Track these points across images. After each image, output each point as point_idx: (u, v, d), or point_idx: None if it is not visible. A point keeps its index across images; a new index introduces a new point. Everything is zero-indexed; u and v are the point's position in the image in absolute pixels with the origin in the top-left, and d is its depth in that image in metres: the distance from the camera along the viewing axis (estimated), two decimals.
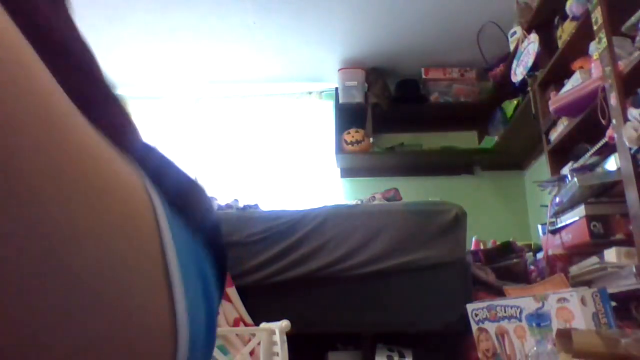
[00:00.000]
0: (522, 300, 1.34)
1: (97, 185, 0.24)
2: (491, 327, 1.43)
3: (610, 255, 1.64)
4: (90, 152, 0.25)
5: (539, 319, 1.28)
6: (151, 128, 3.61)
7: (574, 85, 1.98)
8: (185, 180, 0.35)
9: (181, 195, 0.33)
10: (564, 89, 2.06)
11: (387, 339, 1.80)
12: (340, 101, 3.36)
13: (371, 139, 3.25)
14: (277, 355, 1.20)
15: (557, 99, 2.05)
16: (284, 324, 1.21)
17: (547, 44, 2.30)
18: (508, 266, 2.07)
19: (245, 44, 3.16)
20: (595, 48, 1.76)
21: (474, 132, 3.51)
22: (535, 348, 1.25)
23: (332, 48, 3.21)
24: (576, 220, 1.82)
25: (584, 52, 2.01)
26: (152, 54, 3.24)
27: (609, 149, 1.78)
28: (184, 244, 0.30)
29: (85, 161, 0.24)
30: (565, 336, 1.06)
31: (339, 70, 3.37)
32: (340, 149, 3.28)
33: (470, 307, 1.51)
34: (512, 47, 2.65)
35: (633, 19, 1.64)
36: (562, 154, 2.18)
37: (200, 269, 0.33)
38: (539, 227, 2.24)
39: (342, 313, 1.69)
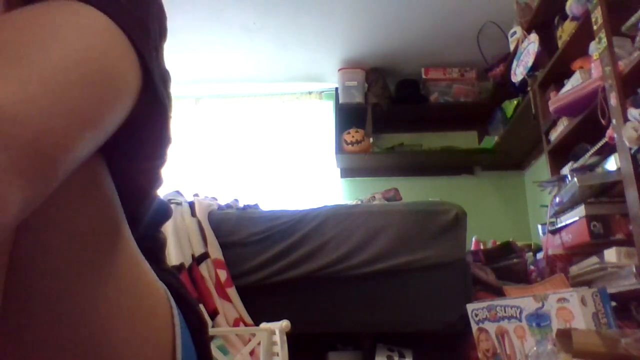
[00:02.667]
0: (522, 300, 1.34)
1: (145, 307, 0.32)
2: (491, 327, 1.43)
3: (610, 255, 1.64)
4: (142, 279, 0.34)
5: (539, 319, 1.28)
6: None
7: (574, 85, 1.98)
8: (192, 301, 0.44)
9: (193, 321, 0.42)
10: (564, 89, 2.06)
11: (387, 339, 1.80)
12: (340, 101, 3.36)
13: (371, 139, 3.25)
14: (277, 355, 1.20)
15: (557, 99, 2.04)
16: (284, 324, 1.21)
17: (547, 44, 2.30)
18: (508, 266, 2.07)
19: (245, 44, 3.16)
20: (595, 48, 1.76)
21: (474, 132, 3.51)
22: (535, 348, 1.25)
23: (332, 48, 3.21)
24: (576, 220, 1.82)
25: (584, 52, 2.01)
26: None
27: (609, 149, 1.78)
28: (185, 338, 0.38)
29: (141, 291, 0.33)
30: (565, 336, 1.06)
31: (339, 70, 3.37)
32: (340, 149, 3.28)
33: (470, 307, 1.51)
34: (512, 47, 2.64)
35: (633, 19, 1.64)
36: (562, 154, 2.18)
37: None
38: (539, 227, 2.24)
39: (342, 313, 1.69)
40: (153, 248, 0.44)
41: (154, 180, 0.40)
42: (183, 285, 0.46)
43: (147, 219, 0.40)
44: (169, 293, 0.38)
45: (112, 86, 0.29)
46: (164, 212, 0.48)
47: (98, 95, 0.28)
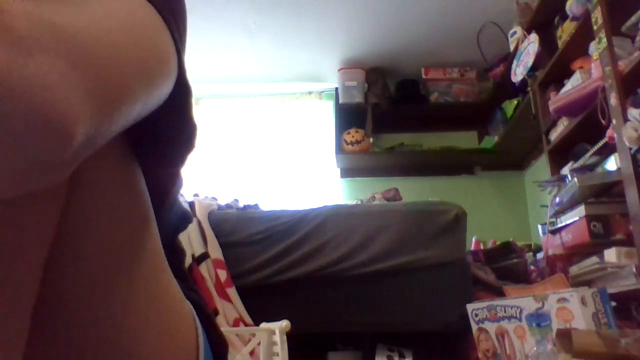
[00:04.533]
0: (522, 300, 1.34)
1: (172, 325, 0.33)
2: (491, 327, 1.43)
3: (610, 255, 1.64)
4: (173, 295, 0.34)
5: (539, 319, 1.28)
6: None
7: (574, 85, 1.98)
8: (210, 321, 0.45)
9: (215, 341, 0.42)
10: (564, 89, 2.06)
11: (387, 339, 1.80)
12: (340, 101, 3.36)
13: (371, 139, 3.25)
14: (277, 355, 1.20)
15: (557, 99, 2.05)
16: (284, 324, 1.21)
17: (547, 44, 2.30)
18: (508, 266, 2.07)
19: (245, 44, 3.16)
20: (595, 48, 1.76)
21: (474, 132, 3.51)
22: (535, 348, 1.25)
23: (332, 48, 3.21)
24: (576, 220, 1.82)
25: (584, 52, 2.01)
26: None
27: (609, 149, 1.78)
28: (208, 356, 0.39)
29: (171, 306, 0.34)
30: (565, 336, 1.06)
31: (339, 70, 3.37)
32: (340, 149, 3.28)
33: (470, 307, 1.51)
34: (512, 47, 2.65)
35: (633, 19, 1.64)
36: (562, 154, 2.18)
37: None
38: (539, 227, 2.24)
39: (342, 313, 1.69)
40: (175, 262, 0.44)
41: (177, 180, 0.39)
42: (207, 305, 0.46)
43: (168, 223, 0.40)
44: (194, 311, 0.38)
45: (162, 59, 0.30)
46: (184, 216, 0.48)
47: (151, 58, 0.29)
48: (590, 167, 1.87)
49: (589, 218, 1.74)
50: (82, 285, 0.27)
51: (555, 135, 2.21)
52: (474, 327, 1.49)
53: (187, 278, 0.48)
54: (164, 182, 0.36)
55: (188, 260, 1.62)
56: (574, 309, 1.20)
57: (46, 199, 0.25)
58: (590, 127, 1.88)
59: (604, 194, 1.79)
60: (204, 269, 1.62)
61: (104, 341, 0.27)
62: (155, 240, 0.32)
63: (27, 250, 0.24)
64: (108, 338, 0.28)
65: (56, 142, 0.22)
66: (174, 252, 0.45)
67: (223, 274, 1.63)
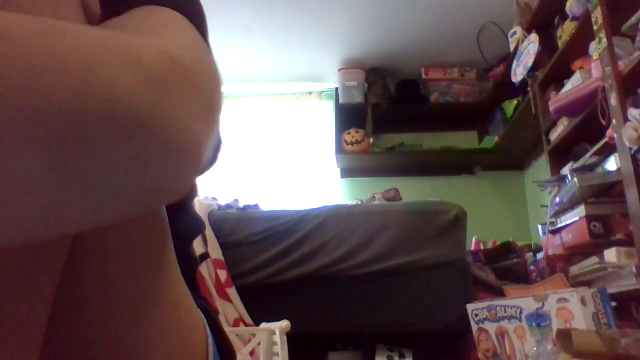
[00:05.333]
0: (522, 300, 1.34)
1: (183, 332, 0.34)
2: (491, 327, 1.43)
3: (610, 255, 1.64)
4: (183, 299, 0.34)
5: (539, 319, 1.28)
6: None
7: (574, 85, 1.98)
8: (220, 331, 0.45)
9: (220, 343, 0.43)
10: (564, 89, 2.06)
11: (387, 339, 1.80)
12: (340, 101, 3.36)
13: (371, 139, 3.25)
14: (277, 355, 1.20)
15: (557, 99, 2.04)
16: (284, 324, 1.21)
17: (547, 44, 2.30)
18: (508, 266, 2.07)
19: (245, 44, 3.16)
20: (595, 48, 1.76)
21: (474, 132, 3.51)
22: (535, 348, 1.25)
23: (332, 48, 3.21)
24: (576, 220, 1.82)
25: (584, 52, 2.01)
26: None
27: (609, 149, 1.78)
28: None
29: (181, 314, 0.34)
30: (565, 336, 1.06)
31: (339, 70, 3.37)
32: (340, 149, 3.28)
33: (470, 307, 1.51)
34: (512, 47, 2.64)
35: (633, 19, 1.64)
36: (562, 154, 2.18)
37: None
38: (539, 227, 2.24)
39: (342, 313, 1.69)
40: (187, 270, 0.44)
41: (192, 189, 0.40)
42: (216, 314, 0.46)
43: (182, 232, 0.40)
44: (205, 321, 0.38)
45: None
46: (197, 223, 0.48)
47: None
48: (590, 167, 1.87)
49: (589, 218, 1.74)
50: (99, 294, 0.27)
51: (555, 135, 2.21)
52: (474, 327, 1.49)
53: (198, 287, 0.48)
54: None
55: None
56: (574, 309, 1.20)
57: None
58: (590, 127, 1.88)
59: (604, 194, 1.79)
60: (204, 269, 1.62)
61: (116, 347, 0.28)
62: (172, 251, 0.32)
63: (46, 262, 0.24)
64: (119, 344, 0.28)
65: (191, 164, 0.26)
66: (186, 259, 0.45)
67: (223, 274, 1.63)
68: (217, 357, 0.39)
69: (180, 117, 0.24)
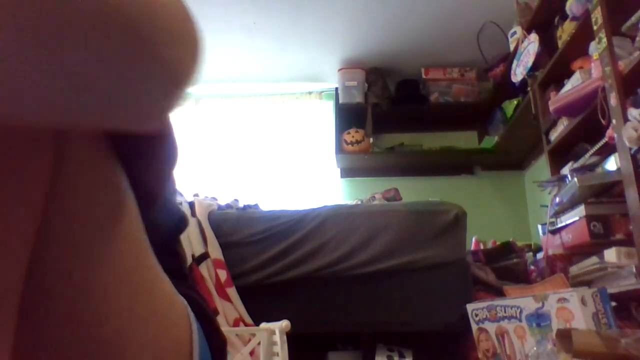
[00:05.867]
0: (522, 300, 1.34)
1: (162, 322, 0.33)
2: (491, 327, 1.43)
3: (610, 255, 1.64)
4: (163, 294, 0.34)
5: (539, 319, 1.28)
6: None
7: (574, 85, 1.98)
8: (207, 312, 0.45)
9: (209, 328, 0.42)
10: (564, 89, 2.06)
11: (387, 339, 1.80)
12: (340, 101, 3.36)
13: (371, 139, 3.25)
14: (277, 355, 1.20)
15: (557, 99, 2.05)
16: (284, 324, 1.21)
17: (547, 44, 2.30)
18: (508, 266, 2.07)
19: (245, 44, 3.16)
20: (595, 48, 1.76)
21: (474, 132, 3.51)
22: (535, 348, 1.25)
23: (332, 48, 3.21)
24: (576, 220, 1.82)
25: (584, 52, 2.01)
26: None
27: (609, 149, 1.78)
28: (205, 355, 0.39)
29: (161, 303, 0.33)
30: (565, 336, 1.06)
31: (339, 70, 3.37)
32: (340, 149, 3.28)
33: (470, 307, 1.51)
34: (512, 47, 2.65)
35: (633, 19, 1.65)
36: (562, 154, 2.18)
37: None
38: (539, 227, 2.24)
39: (342, 313, 1.69)
40: (175, 263, 0.43)
41: (165, 182, 0.39)
42: (205, 301, 0.46)
43: (162, 225, 0.40)
44: (189, 308, 0.38)
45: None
46: (180, 219, 0.48)
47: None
48: (590, 167, 1.87)
49: (589, 218, 1.74)
50: (63, 277, 0.27)
51: (555, 135, 2.21)
52: (474, 327, 1.49)
53: (187, 277, 0.48)
54: (150, 185, 0.36)
55: (188, 260, 1.62)
56: (574, 309, 1.20)
57: (31, 185, 0.25)
58: (590, 127, 1.88)
59: (604, 194, 1.79)
60: (204, 269, 1.62)
61: (87, 332, 0.27)
62: (137, 235, 0.32)
63: (14, 238, 0.24)
64: (90, 328, 0.27)
65: (171, 82, 0.27)
66: (173, 254, 0.44)
67: (223, 274, 1.63)
68: (205, 345, 0.38)
69: (168, 29, 0.26)
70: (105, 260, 0.28)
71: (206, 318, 0.42)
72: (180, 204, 1.77)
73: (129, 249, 0.30)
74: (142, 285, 0.31)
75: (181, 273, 0.46)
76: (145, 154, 0.34)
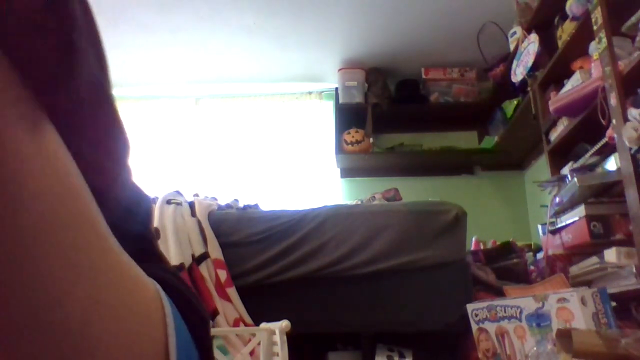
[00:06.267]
0: (522, 300, 1.34)
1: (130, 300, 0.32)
2: (491, 327, 1.43)
3: (610, 255, 1.64)
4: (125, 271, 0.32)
5: (539, 319, 1.28)
6: (152, 128, 3.61)
7: (574, 85, 1.98)
8: (184, 289, 0.43)
9: (184, 308, 0.40)
10: (564, 89, 2.06)
11: (387, 339, 1.80)
12: (340, 101, 3.36)
13: (371, 139, 3.25)
14: (277, 355, 1.20)
15: (557, 99, 2.05)
16: (284, 324, 1.21)
17: (547, 44, 2.30)
18: (508, 266, 2.07)
19: (245, 45, 3.16)
20: (595, 48, 1.76)
21: (474, 132, 3.51)
22: (535, 348, 1.25)
23: (332, 48, 3.21)
24: (576, 220, 1.82)
25: (584, 52, 2.01)
26: (153, 55, 3.24)
27: (609, 149, 1.78)
28: (183, 338, 0.37)
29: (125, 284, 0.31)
30: (565, 336, 1.06)
31: (339, 70, 3.37)
32: (340, 149, 3.28)
33: (470, 307, 1.51)
34: (512, 47, 2.65)
35: (633, 19, 1.65)
36: (562, 154, 2.18)
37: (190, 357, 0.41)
38: (539, 227, 2.24)
39: (342, 313, 1.69)
40: (144, 245, 0.42)
41: (110, 177, 0.37)
42: (183, 283, 0.44)
43: (121, 212, 0.38)
44: (161, 291, 0.37)
45: None
46: (139, 198, 0.45)
47: None
48: (590, 167, 1.87)
49: (589, 218, 1.74)
50: (22, 266, 0.25)
51: (555, 135, 2.21)
52: (474, 327, 1.49)
53: (160, 260, 0.46)
54: (94, 157, 0.34)
55: (188, 260, 1.62)
56: (574, 309, 1.20)
57: None
58: (590, 127, 1.88)
59: (604, 194, 1.79)
60: (204, 269, 1.62)
61: (45, 319, 0.26)
62: (89, 212, 0.30)
63: None
64: (48, 315, 0.26)
65: None
66: (142, 236, 0.43)
67: (223, 274, 1.63)
68: (182, 326, 0.37)
69: None
70: (71, 250, 0.27)
71: (182, 298, 0.40)
72: (180, 204, 1.77)
73: (81, 232, 0.29)
74: (104, 263, 0.30)
75: (154, 254, 0.45)
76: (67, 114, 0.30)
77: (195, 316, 0.41)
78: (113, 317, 0.29)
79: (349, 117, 3.34)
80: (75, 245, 0.27)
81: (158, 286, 0.36)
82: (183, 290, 0.41)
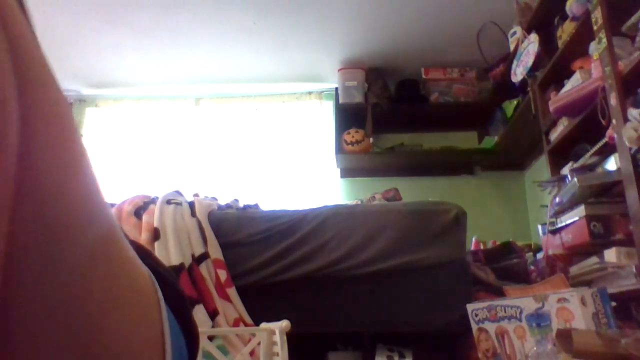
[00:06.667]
0: (522, 300, 1.34)
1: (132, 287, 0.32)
2: (491, 327, 1.43)
3: (610, 255, 1.64)
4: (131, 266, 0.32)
5: (539, 319, 1.28)
6: (152, 129, 3.61)
7: (574, 85, 1.98)
8: (172, 282, 0.43)
9: (175, 304, 0.41)
10: (564, 89, 2.06)
11: (387, 339, 1.80)
12: (340, 101, 3.36)
13: (371, 139, 3.25)
14: (277, 355, 1.20)
15: (557, 99, 2.05)
16: (284, 324, 1.21)
17: (547, 44, 2.30)
18: (508, 266, 2.07)
19: (245, 45, 3.16)
20: (595, 48, 1.76)
21: (474, 132, 3.52)
22: (535, 348, 1.25)
23: (332, 48, 3.21)
24: (576, 220, 1.82)
25: (584, 52, 2.01)
26: (153, 55, 3.24)
27: (609, 149, 1.78)
28: (171, 320, 0.37)
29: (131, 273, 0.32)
30: (565, 336, 1.06)
31: (338, 70, 3.37)
32: (340, 149, 3.28)
33: (470, 307, 1.51)
34: (512, 47, 2.65)
35: (633, 19, 1.65)
36: (562, 154, 2.18)
37: (180, 353, 0.41)
38: (539, 227, 2.24)
39: (342, 313, 1.69)
40: None
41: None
42: (157, 261, 0.44)
43: None
44: (152, 275, 0.37)
45: None
46: None
47: None
48: (590, 167, 1.87)
49: (589, 218, 1.74)
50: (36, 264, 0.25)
51: (555, 135, 2.21)
52: (474, 327, 1.49)
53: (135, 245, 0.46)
54: None
55: (188, 260, 1.62)
56: (574, 309, 1.20)
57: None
58: (590, 127, 1.88)
59: (604, 194, 1.79)
60: (204, 269, 1.62)
61: (67, 325, 0.26)
62: (99, 196, 0.30)
63: None
64: (71, 320, 0.26)
65: None
66: None
67: (223, 274, 1.63)
68: (167, 310, 0.37)
69: None
70: (87, 241, 0.27)
71: (159, 276, 0.40)
72: (180, 204, 1.77)
73: (98, 221, 0.29)
74: (120, 259, 0.30)
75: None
76: None
77: (174, 293, 0.41)
78: (121, 308, 0.29)
79: (349, 117, 3.34)
80: (95, 236, 0.27)
81: (149, 271, 0.36)
82: (159, 269, 0.41)
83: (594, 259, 1.69)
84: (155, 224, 1.65)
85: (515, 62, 2.52)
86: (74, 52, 3.16)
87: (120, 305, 0.29)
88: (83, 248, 0.26)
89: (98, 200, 0.28)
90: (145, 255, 0.42)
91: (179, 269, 1.56)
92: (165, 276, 0.41)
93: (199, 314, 1.51)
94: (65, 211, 0.25)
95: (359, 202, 2.22)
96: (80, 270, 0.26)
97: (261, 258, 1.67)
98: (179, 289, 0.43)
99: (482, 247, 2.42)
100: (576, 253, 1.86)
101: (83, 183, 0.27)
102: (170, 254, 1.59)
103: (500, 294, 1.72)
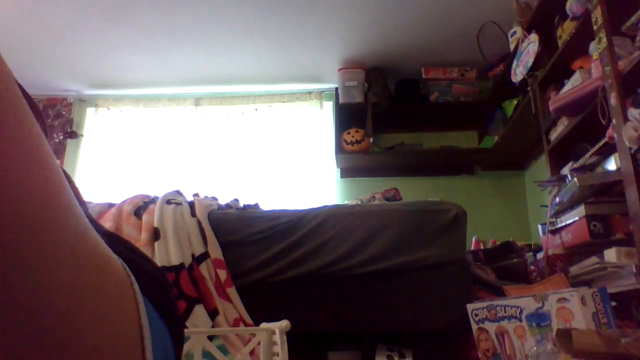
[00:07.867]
0: (522, 300, 1.34)
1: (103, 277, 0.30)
2: (491, 327, 1.43)
3: (610, 255, 1.64)
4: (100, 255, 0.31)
5: (539, 319, 1.28)
6: (152, 129, 3.61)
7: (574, 85, 1.98)
8: (153, 270, 0.42)
9: (154, 291, 0.39)
10: (564, 89, 2.06)
11: (387, 339, 1.80)
12: (340, 101, 3.36)
13: (371, 139, 3.25)
14: (277, 355, 1.20)
15: (557, 99, 2.05)
16: (284, 324, 1.21)
17: (547, 43, 2.30)
18: (508, 266, 2.07)
19: (245, 45, 3.16)
20: (595, 48, 1.76)
21: (474, 132, 3.52)
22: (535, 348, 1.25)
23: (332, 48, 3.21)
24: (576, 220, 1.82)
25: (584, 52, 2.01)
26: (153, 55, 3.24)
27: (609, 149, 1.78)
28: (150, 311, 0.36)
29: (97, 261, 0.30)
30: (565, 336, 1.06)
31: (339, 70, 3.37)
32: (340, 149, 3.28)
33: (470, 307, 1.51)
34: (512, 47, 2.65)
35: (633, 19, 1.65)
36: (562, 154, 2.18)
37: (164, 344, 0.40)
38: (539, 227, 2.24)
39: (342, 313, 1.69)
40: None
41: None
42: (136, 251, 0.43)
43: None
44: (126, 267, 0.36)
45: None
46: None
47: None
48: (590, 167, 1.87)
49: (589, 218, 1.74)
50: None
51: (555, 135, 2.21)
52: (474, 327, 1.49)
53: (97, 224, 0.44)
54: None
55: (188, 260, 1.62)
56: (574, 308, 1.20)
57: None
58: (590, 127, 1.88)
59: (604, 194, 1.79)
60: (204, 268, 1.62)
61: (35, 320, 0.25)
62: (71, 196, 0.30)
63: None
64: (38, 315, 0.26)
65: None
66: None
67: (223, 274, 1.63)
68: (146, 302, 0.36)
69: None
70: (47, 234, 0.26)
71: (138, 268, 0.39)
72: (180, 203, 1.77)
73: (58, 210, 0.28)
74: (85, 252, 0.29)
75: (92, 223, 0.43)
76: None
77: (155, 283, 0.40)
78: (92, 302, 0.28)
79: (349, 116, 3.34)
80: (55, 226, 0.25)
81: (122, 261, 0.35)
82: (139, 260, 0.40)
83: (594, 259, 1.69)
84: (155, 224, 1.65)
85: (515, 61, 2.52)
86: (74, 52, 3.16)
87: (91, 298, 0.28)
88: (47, 246, 0.25)
89: (61, 196, 0.27)
90: (120, 244, 0.41)
91: (179, 268, 1.56)
92: (143, 265, 0.40)
93: (199, 313, 1.51)
94: (25, 210, 0.24)
95: (359, 202, 2.22)
96: (45, 268, 0.25)
97: (261, 258, 1.67)
98: (156, 276, 0.42)
99: (482, 247, 2.43)
100: (576, 253, 1.86)
101: (42, 177, 0.26)
102: (170, 253, 1.60)
103: (500, 293, 1.72)
